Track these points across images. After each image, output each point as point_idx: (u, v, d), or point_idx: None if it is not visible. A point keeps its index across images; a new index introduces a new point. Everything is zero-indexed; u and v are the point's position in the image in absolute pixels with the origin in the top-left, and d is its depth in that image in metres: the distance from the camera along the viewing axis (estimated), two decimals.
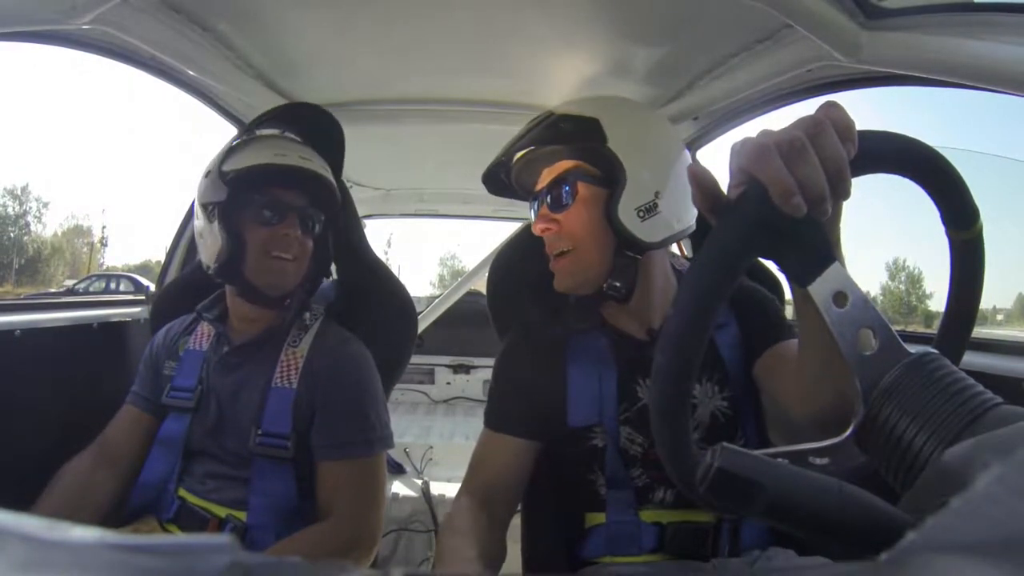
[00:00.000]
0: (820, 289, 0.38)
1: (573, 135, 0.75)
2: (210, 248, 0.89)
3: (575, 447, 0.79)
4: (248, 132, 0.96)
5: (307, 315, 0.97)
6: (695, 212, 0.77)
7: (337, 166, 1.02)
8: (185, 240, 1.40)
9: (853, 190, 0.40)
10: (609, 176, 0.73)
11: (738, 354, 0.79)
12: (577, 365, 0.80)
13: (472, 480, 0.79)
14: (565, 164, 0.76)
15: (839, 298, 0.38)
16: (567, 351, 0.81)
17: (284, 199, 0.90)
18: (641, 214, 0.72)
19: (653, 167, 0.74)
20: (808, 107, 0.42)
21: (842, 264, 0.40)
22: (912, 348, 0.37)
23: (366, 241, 1.14)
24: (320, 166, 0.93)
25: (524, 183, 0.84)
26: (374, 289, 1.10)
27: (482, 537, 0.69)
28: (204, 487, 0.89)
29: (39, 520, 0.15)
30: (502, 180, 0.86)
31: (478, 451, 0.81)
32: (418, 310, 1.47)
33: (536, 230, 0.78)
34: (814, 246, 0.39)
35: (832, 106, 0.39)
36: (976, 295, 0.46)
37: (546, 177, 0.78)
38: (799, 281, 0.39)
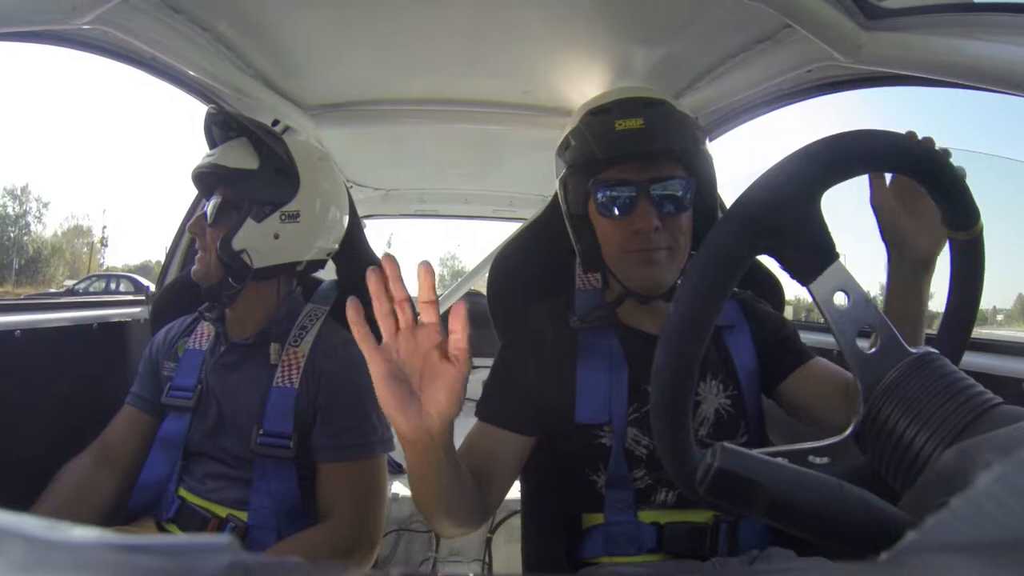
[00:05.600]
0: (821, 287, 0.39)
1: (686, 139, 0.73)
2: None
3: (581, 444, 0.78)
4: None
5: (303, 313, 0.96)
6: None
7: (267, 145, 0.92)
8: (185, 240, 1.40)
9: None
10: (697, 179, 0.75)
11: (748, 356, 0.80)
12: (587, 362, 0.79)
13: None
14: (677, 169, 0.74)
15: (840, 297, 0.38)
16: (578, 348, 0.80)
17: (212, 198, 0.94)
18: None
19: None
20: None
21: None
22: (912, 348, 0.37)
23: (366, 241, 1.14)
24: (226, 158, 0.89)
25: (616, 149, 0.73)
26: None
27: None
28: (204, 487, 0.89)
29: (39, 520, 0.15)
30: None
31: (467, 439, 0.77)
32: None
33: (651, 224, 0.73)
34: (815, 245, 0.39)
35: None
36: (976, 295, 0.46)
37: (657, 170, 0.73)
38: (800, 279, 0.40)
